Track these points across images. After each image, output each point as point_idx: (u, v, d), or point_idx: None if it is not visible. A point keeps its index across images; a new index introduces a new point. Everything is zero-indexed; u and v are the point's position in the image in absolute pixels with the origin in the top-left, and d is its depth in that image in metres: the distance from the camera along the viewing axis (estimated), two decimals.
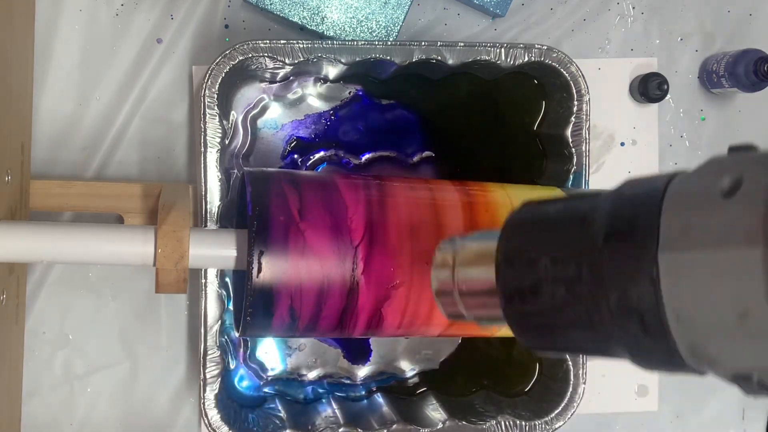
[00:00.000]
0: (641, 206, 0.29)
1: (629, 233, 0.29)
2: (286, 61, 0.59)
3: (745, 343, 0.26)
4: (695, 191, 0.28)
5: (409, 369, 0.67)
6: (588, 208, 0.32)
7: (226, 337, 0.61)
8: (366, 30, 0.62)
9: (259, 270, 0.48)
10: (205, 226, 0.59)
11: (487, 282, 0.35)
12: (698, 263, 0.27)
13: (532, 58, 0.61)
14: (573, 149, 0.62)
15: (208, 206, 0.59)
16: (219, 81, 0.58)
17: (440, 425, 0.61)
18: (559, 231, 0.32)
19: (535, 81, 0.64)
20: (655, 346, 0.29)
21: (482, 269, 0.36)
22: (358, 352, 0.66)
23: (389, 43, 0.60)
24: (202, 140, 0.58)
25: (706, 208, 0.28)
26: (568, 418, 0.62)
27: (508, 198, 0.55)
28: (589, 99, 0.62)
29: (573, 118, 0.62)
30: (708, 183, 0.28)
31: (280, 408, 0.62)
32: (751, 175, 0.27)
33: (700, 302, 0.27)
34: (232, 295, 0.60)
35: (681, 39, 0.70)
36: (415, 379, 0.67)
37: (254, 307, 0.49)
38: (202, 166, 0.58)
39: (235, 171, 0.62)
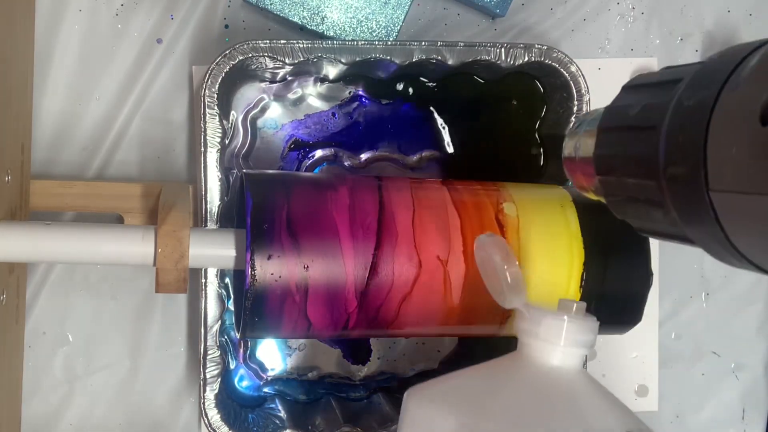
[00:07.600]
0: (690, 130, 0.26)
1: (682, 166, 0.27)
2: (286, 61, 0.59)
3: None
4: (740, 109, 0.24)
5: (409, 369, 0.67)
6: (657, 117, 0.30)
7: (226, 337, 0.61)
8: (366, 30, 0.62)
9: (258, 270, 0.48)
10: (205, 226, 0.59)
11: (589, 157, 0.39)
12: (747, 207, 0.23)
13: (532, 58, 0.61)
14: None
15: (208, 206, 0.59)
16: (219, 81, 0.58)
17: None
18: (632, 143, 0.33)
19: (535, 81, 0.64)
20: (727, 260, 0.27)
21: (588, 146, 0.40)
22: (358, 352, 0.66)
23: (389, 43, 0.60)
24: (202, 140, 0.58)
25: (745, 139, 0.23)
26: None
27: (507, 198, 0.55)
28: (589, 99, 0.62)
29: (573, 118, 0.62)
30: (752, 99, 0.23)
31: (280, 408, 0.62)
32: None
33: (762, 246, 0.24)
34: (232, 294, 0.60)
35: (681, 39, 0.70)
36: (415, 379, 0.67)
37: (254, 309, 0.49)
38: (202, 166, 0.58)
39: (235, 171, 0.62)
